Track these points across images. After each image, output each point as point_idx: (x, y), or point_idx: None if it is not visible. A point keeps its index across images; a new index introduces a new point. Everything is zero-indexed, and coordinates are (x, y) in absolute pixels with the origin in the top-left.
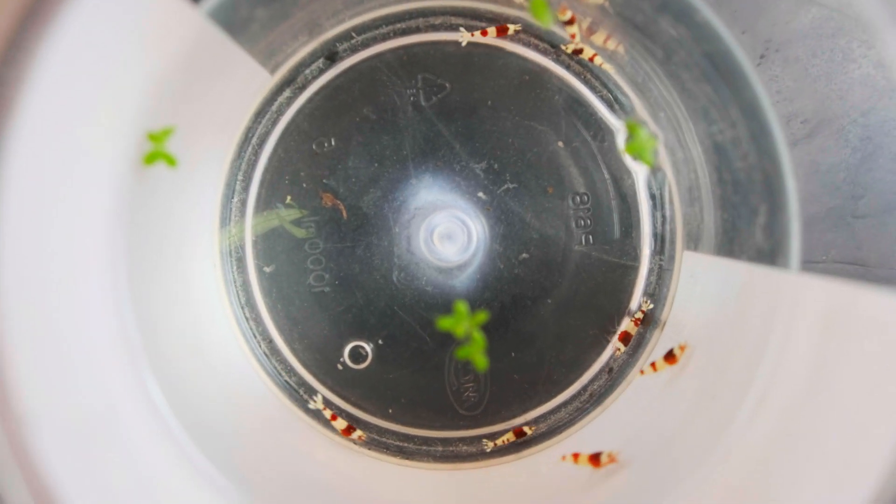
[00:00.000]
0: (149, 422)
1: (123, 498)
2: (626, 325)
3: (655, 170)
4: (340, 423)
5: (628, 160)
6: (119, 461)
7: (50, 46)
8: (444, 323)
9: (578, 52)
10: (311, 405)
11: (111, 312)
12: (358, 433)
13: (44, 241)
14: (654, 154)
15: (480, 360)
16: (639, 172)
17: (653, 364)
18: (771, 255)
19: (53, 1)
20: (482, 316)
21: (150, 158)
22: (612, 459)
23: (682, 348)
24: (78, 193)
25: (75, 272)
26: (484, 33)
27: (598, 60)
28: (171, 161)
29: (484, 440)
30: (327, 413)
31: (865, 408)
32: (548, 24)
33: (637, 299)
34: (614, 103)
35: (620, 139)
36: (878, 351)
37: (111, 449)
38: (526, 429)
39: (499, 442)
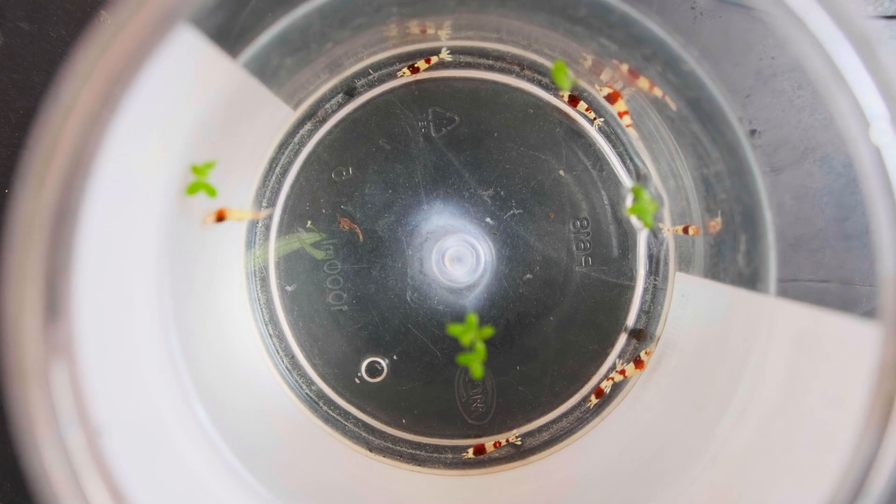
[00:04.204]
0: (191, 430)
1: (176, 496)
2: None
3: (655, 231)
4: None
5: (633, 219)
6: (170, 464)
7: (128, 101)
8: (454, 329)
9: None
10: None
11: (158, 331)
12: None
13: (109, 268)
14: (654, 217)
15: (477, 369)
16: (643, 238)
17: (622, 371)
18: (751, 279)
19: (133, 67)
20: (488, 331)
21: (193, 189)
22: None
23: (647, 353)
24: (134, 225)
25: (132, 295)
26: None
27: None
28: (211, 192)
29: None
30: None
31: (830, 420)
32: (567, 88)
33: (633, 316)
34: (612, 135)
35: (628, 200)
36: (842, 369)
37: (163, 453)
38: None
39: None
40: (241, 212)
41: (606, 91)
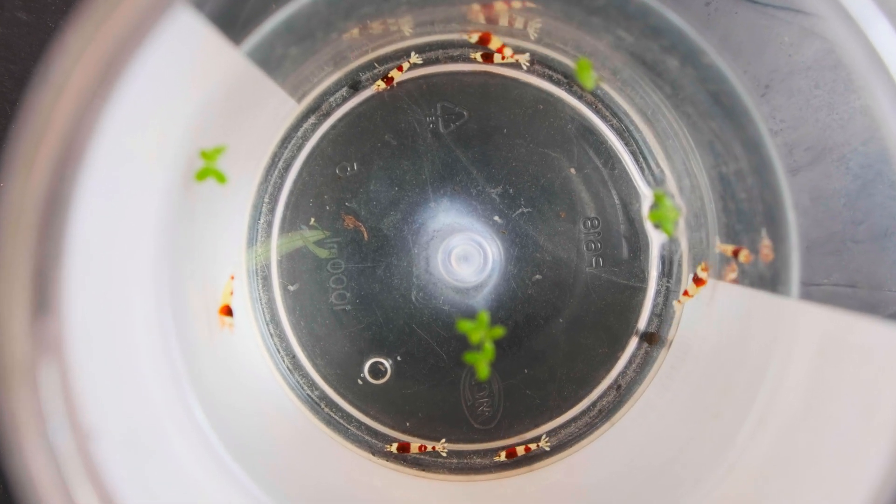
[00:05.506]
0: (188, 433)
1: (170, 501)
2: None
3: (672, 240)
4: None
5: (649, 226)
6: (166, 470)
7: (123, 86)
8: (464, 326)
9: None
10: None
11: (154, 329)
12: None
13: (102, 261)
14: (674, 226)
15: (484, 369)
16: (655, 239)
17: (685, 292)
18: (772, 282)
19: (129, 50)
20: (499, 331)
21: (202, 175)
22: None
23: (704, 268)
24: (129, 217)
25: (127, 290)
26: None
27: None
28: (220, 178)
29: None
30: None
31: (857, 430)
32: (591, 87)
33: (645, 319)
34: (625, 132)
35: (646, 206)
36: (869, 376)
37: (159, 458)
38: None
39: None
40: (227, 286)
41: (476, 36)
